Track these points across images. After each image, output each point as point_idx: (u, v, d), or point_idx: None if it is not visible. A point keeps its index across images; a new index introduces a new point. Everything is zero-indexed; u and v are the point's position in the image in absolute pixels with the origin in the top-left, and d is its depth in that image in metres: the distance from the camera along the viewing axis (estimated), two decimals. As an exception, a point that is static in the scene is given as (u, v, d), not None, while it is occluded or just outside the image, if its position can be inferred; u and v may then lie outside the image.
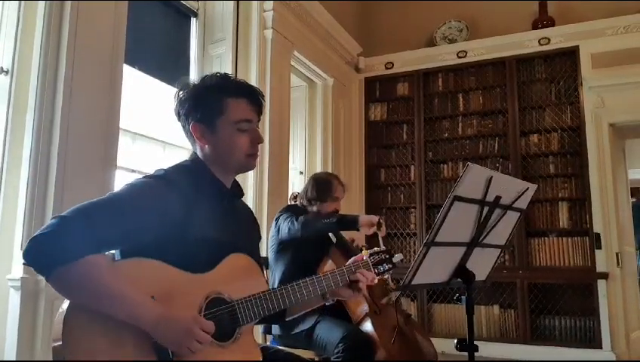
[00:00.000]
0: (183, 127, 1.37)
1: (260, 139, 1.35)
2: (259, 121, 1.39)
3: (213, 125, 1.31)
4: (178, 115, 1.36)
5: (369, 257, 1.52)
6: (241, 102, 1.33)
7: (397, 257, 1.57)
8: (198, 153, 1.37)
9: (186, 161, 1.38)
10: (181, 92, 1.36)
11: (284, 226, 2.32)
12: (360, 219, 2.31)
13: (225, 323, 1.19)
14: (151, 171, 1.30)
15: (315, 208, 2.50)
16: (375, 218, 2.32)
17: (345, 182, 2.67)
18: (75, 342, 1.02)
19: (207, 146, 1.33)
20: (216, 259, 1.25)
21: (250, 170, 1.42)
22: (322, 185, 2.52)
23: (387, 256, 1.55)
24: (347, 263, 1.48)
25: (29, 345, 2.07)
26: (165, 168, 1.30)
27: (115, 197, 1.16)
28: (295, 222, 2.28)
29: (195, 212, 1.23)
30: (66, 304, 1.06)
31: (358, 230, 2.33)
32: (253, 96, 1.35)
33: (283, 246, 2.39)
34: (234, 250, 1.30)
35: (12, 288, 2.11)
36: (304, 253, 2.35)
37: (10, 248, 2.16)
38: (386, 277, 1.71)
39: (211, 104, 1.31)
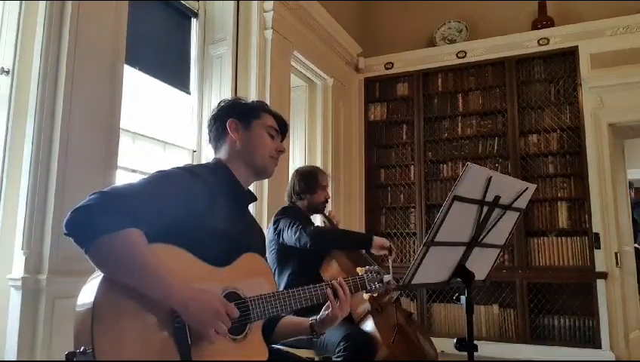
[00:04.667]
0: (216, 126, 1.50)
1: (283, 149, 1.53)
2: (281, 142, 1.56)
3: (248, 123, 1.49)
4: (215, 117, 1.51)
5: (365, 274, 1.60)
6: (273, 119, 1.54)
7: (387, 278, 1.64)
8: (223, 153, 1.49)
9: (209, 162, 1.50)
10: (223, 101, 1.55)
11: (290, 233, 2.31)
12: (374, 240, 2.37)
13: (237, 318, 1.23)
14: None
15: (305, 202, 2.54)
16: (387, 243, 2.39)
17: (327, 172, 2.74)
18: (103, 326, 1.04)
19: (237, 142, 1.47)
20: (232, 254, 1.32)
21: (269, 175, 1.54)
22: (308, 177, 2.56)
23: (379, 276, 1.62)
24: (347, 278, 1.53)
25: (30, 344, 2.07)
26: (190, 164, 1.40)
27: (147, 180, 1.23)
28: (304, 233, 2.25)
29: (215, 206, 1.31)
30: (81, 297, 1.09)
31: (369, 250, 2.39)
32: (282, 123, 1.57)
33: (286, 251, 2.39)
34: (247, 250, 1.37)
35: (13, 288, 2.11)
36: (307, 255, 2.34)
37: (11, 248, 2.16)
38: (375, 295, 1.84)
39: (250, 108, 1.53)
